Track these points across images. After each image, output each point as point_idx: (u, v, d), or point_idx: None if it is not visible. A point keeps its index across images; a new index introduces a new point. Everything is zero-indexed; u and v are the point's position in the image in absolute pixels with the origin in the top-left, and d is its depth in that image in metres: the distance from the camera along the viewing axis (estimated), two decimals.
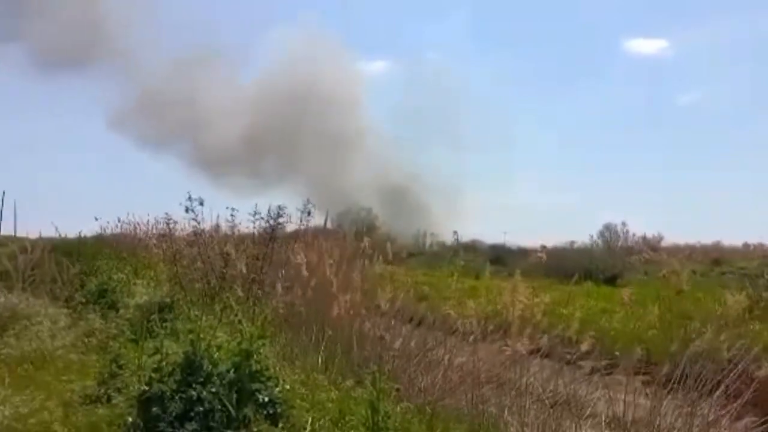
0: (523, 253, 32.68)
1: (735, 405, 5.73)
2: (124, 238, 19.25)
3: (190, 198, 9.29)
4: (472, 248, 32.48)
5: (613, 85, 62.17)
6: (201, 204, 9.33)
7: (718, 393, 5.58)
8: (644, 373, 6.28)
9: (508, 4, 65.62)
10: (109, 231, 21.30)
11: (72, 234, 21.68)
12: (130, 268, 12.28)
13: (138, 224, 18.83)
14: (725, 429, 5.65)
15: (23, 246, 16.36)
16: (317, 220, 9.97)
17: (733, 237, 35.15)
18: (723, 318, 7.55)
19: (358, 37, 67.77)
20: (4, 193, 36.86)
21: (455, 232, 38.05)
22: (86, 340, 8.39)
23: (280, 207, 9.39)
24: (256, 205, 9.38)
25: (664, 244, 35.02)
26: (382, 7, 61.41)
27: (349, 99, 47.45)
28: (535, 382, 6.26)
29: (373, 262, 7.89)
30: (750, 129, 55.49)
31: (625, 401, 5.56)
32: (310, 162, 45.05)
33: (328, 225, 10.97)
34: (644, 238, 35.65)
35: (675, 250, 31.81)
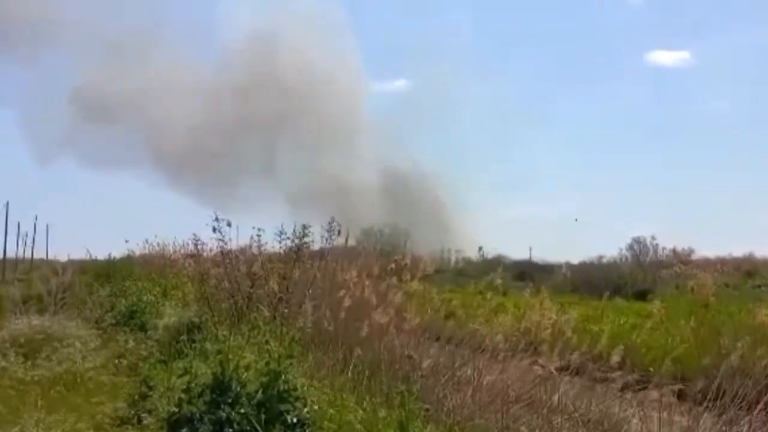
0: (549, 268, 32.36)
1: None
2: (153, 259, 19.51)
3: (217, 218, 9.40)
4: (497, 264, 32.24)
5: (638, 97, 61.76)
6: (228, 225, 9.44)
7: (757, 410, 5.41)
8: (678, 389, 6.14)
9: (531, 16, 65.69)
10: (137, 252, 21.65)
11: (102, 255, 22.09)
12: (158, 289, 12.40)
13: (165, 245, 19.11)
14: None
15: (55, 269, 16.67)
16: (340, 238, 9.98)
17: (765, 249, 34.37)
18: (758, 332, 7.38)
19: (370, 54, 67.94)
20: (36, 217, 37.27)
21: (480, 248, 37.88)
22: (117, 361, 8.47)
23: (304, 226, 9.45)
24: (282, 224, 9.45)
25: (694, 257, 34.39)
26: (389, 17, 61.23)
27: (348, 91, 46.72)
28: (566, 399, 6.16)
29: (401, 279, 7.86)
30: None
31: (660, 419, 5.43)
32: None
33: (351, 243, 10.96)
34: (674, 251, 35.02)
35: (706, 264, 31.24)
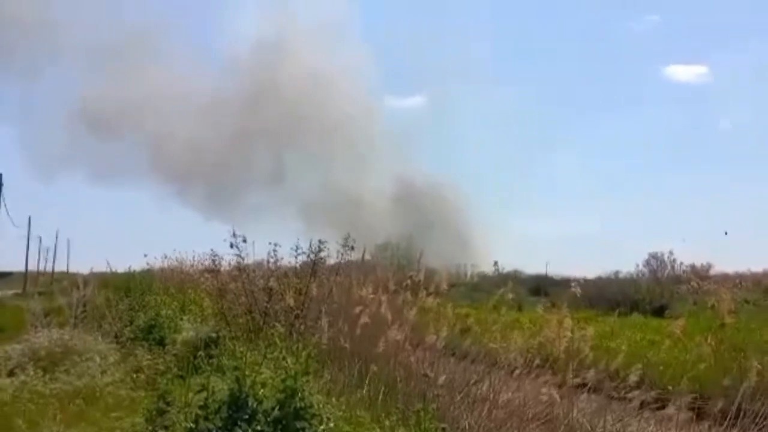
0: (565, 283, 32.10)
1: None
2: (171, 273, 19.68)
3: (234, 234, 9.51)
4: (513, 279, 32.11)
5: (654, 111, 61.35)
6: (244, 241, 9.53)
7: None
8: (697, 409, 6.08)
9: (548, 31, 65.79)
10: (157, 266, 21.86)
11: (122, 268, 22.32)
12: (177, 304, 12.50)
13: (184, 260, 19.29)
14: None
15: (76, 281, 16.86)
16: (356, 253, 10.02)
17: None
18: None
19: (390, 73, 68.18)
20: (58, 231, 37.81)
21: (496, 263, 37.72)
22: (135, 375, 8.54)
23: (320, 241, 9.52)
24: (298, 239, 9.53)
25: (712, 272, 33.95)
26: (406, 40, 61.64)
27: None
28: (583, 418, 6.11)
29: (418, 295, 7.87)
30: None
31: None
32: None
33: (367, 257, 11.00)
34: (692, 266, 34.62)
35: (724, 279, 30.82)
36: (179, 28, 65.60)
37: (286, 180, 45.95)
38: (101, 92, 44.85)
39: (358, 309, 7.32)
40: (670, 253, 35.04)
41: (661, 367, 8.43)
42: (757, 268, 33.86)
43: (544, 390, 6.19)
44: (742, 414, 5.73)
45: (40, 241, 44.71)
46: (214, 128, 45.29)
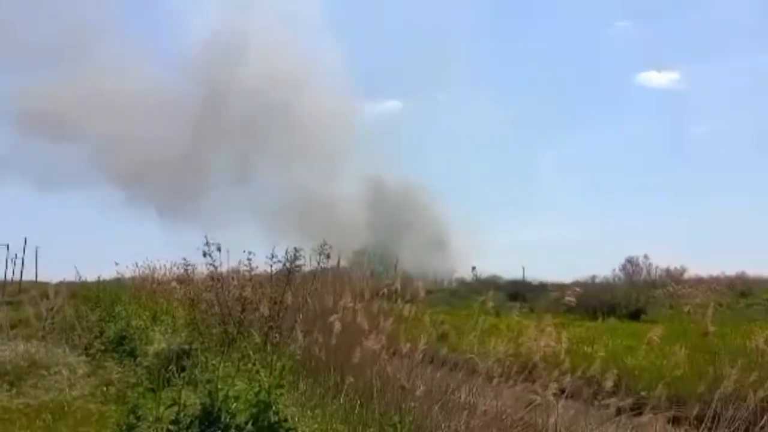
0: (542, 288, 32.32)
1: None
2: (143, 282, 19.37)
3: (207, 243, 9.33)
4: (492, 284, 32.23)
5: (628, 117, 62.25)
6: (219, 249, 9.37)
7: None
8: (673, 414, 6.09)
9: (520, 37, 66.43)
10: (127, 275, 21.50)
11: (92, 278, 21.93)
12: (148, 314, 12.28)
13: (156, 269, 18.98)
14: None
15: (45, 291, 16.50)
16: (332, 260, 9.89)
17: (757, 267, 34.34)
18: (753, 355, 7.34)
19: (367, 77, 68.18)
20: (26, 240, 36.99)
21: (474, 268, 37.84)
22: (105, 389, 8.33)
23: (296, 249, 9.39)
24: (274, 247, 9.39)
25: (687, 276, 34.41)
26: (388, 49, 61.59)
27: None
28: (561, 425, 6.08)
29: (396, 302, 7.78)
30: None
31: None
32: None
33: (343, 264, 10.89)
34: (667, 270, 35.05)
35: (698, 282, 31.25)
36: (131, 23, 62.44)
37: (251, 183, 44.93)
38: (45, 92, 42.57)
39: (333, 318, 7.21)
40: (645, 257, 35.46)
41: (637, 373, 8.47)
42: (731, 271, 34.48)
43: (522, 397, 6.16)
44: (717, 419, 5.75)
45: (8, 248, 43.70)
46: (171, 129, 43.64)
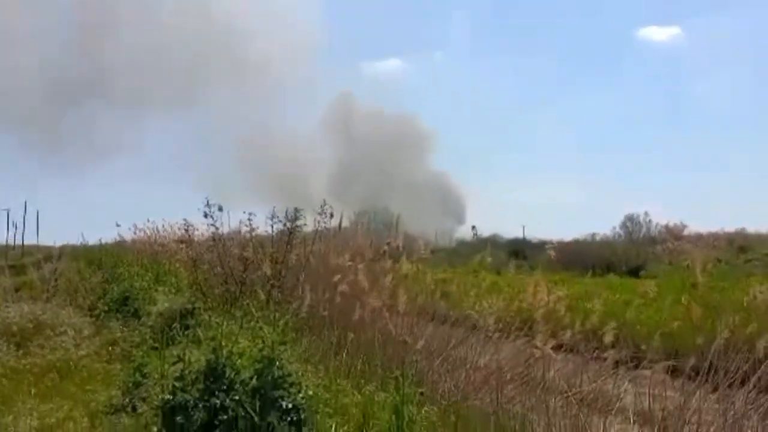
0: (543, 246, 32.47)
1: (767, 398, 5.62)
2: (144, 245, 19.39)
3: (208, 204, 9.35)
4: (492, 243, 32.35)
5: (628, 73, 61.54)
6: (220, 210, 9.39)
7: (750, 385, 5.45)
8: (671, 366, 6.17)
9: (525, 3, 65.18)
10: (128, 237, 21.51)
11: (93, 241, 21.99)
12: (151, 275, 12.36)
13: (157, 230, 18.95)
14: (757, 422, 5.53)
15: (48, 254, 16.59)
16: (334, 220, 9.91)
17: (757, 223, 34.49)
18: (750, 308, 7.40)
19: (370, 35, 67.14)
20: (26, 203, 36.99)
21: (474, 227, 37.96)
22: (110, 348, 8.46)
23: (297, 209, 9.40)
24: (274, 208, 9.41)
25: (687, 232, 34.49)
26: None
27: None
28: (560, 378, 6.18)
29: (398, 261, 7.81)
30: None
31: (653, 395, 5.46)
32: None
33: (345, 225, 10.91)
34: (667, 227, 35.13)
35: (698, 239, 31.35)
36: None
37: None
38: None
39: (335, 277, 7.26)
40: (646, 214, 35.53)
41: (637, 326, 8.55)
42: (730, 228, 34.60)
43: (521, 352, 6.25)
44: (713, 370, 5.83)
45: (8, 213, 43.78)
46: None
